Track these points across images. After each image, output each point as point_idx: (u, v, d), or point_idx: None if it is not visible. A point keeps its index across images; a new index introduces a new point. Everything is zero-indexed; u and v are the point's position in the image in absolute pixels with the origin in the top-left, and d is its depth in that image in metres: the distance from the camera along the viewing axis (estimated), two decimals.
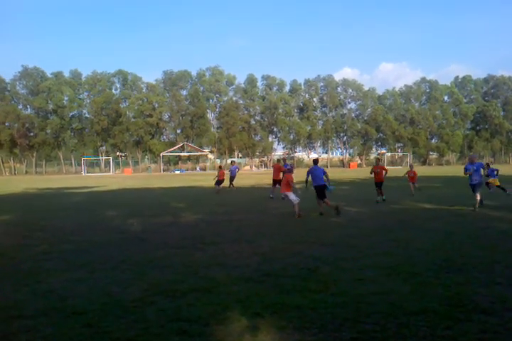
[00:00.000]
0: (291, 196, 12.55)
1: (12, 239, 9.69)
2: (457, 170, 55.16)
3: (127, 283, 5.91)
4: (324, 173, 13.33)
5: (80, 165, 72.53)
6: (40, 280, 6.15)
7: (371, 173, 17.00)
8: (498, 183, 18.15)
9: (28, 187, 32.22)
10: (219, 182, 22.31)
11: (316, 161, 14.11)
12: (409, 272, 6.10)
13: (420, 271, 6.17)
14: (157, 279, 6.04)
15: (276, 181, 18.75)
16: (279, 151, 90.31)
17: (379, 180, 16.44)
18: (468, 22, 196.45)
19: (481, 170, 13.97)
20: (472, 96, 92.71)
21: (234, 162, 26.09)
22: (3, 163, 75.99)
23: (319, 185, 13.08)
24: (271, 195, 18.48)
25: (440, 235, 9.00)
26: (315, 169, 13.42)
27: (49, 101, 73.73)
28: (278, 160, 20.64)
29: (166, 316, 4.59)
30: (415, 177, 19.83)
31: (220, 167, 24.18)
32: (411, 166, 20.66)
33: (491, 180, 18.34)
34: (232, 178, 23.56)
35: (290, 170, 13.71)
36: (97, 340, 4.07)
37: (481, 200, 13.33)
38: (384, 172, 16.77)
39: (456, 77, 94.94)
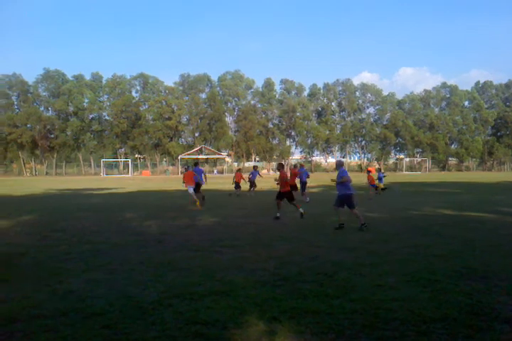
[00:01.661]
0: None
1: (33, 239, 9.81)
2: (477, 176, 54.45)
3: (145, 284, 5.94)
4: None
5: (99, 166, 73.44)
6: (60, 280, 6.22)
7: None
8: (382, 186, 21.74)
9: (49, 188, 32.66)
10: (237, 185, 22.50)
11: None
12: (429, 279, 6.02)
13: (440, 278, 6.09)
14: (175, 281, 6.06)
15: (291, 186, 18.62)
16: (296, 155, 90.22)
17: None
18: (489, 27, 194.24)
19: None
20: (493, 102, 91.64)
21: (256, 167, 26.17)
22: (24, 163, 77.26)
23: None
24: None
25: (460, 242, 8.88)
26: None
27: (69, 104, 74.89)
28: (295, 166, 20.61)
29: (184, 319, 4.61)
30: (372, 180, 21.02)
31: (238, 170, 24.39)
32: (369, 170, 22.13)
33: (378, 183, 21.34)
34: (251, 183, 23.65)
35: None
36: None
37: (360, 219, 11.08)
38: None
39: (477, 82, 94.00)
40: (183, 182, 17.61)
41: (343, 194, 11.17)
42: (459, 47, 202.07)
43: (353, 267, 6.78)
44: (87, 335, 4.22)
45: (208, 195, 23.51)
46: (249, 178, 23.70)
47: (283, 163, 20.32)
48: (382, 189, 21.94)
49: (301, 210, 13.41)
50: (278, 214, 13.27)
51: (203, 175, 18.48)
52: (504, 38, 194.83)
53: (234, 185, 22.94)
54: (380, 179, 21.88)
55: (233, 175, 23.60)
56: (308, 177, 20.14)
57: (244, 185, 23.58)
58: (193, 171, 17.76)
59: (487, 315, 4.60)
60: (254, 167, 25.81)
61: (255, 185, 23.92)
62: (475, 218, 12.58)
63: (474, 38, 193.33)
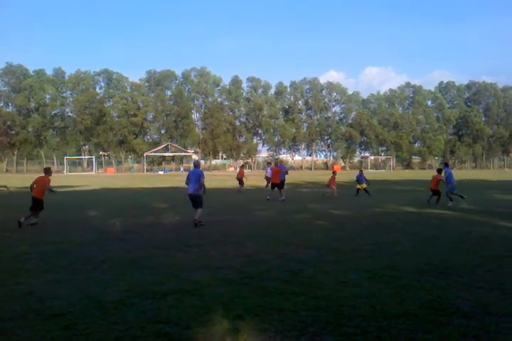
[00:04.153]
0: None
1: None
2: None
3: (108, 284, 5.83)
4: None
5: (62, 164, 71.75)
6: (19, 281, 6.03)
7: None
8: (365, 186, 20.85)
9: (8, 185, 31.66)
10: (239, 181, 22.69)
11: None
12: (391, 275, 6.12)
13: (402, 274, 6.19)
14: (138, 280, 5.97)
15: (274, 184, 18.65)
16: (263, 153, 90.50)
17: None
18: (453, 28, 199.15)
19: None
20: (455, 102, 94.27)
21: (270, 163, 26.17)
22: None
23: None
24: (268, 197, 18.56)
25: (422, 239, 9.06)
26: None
27: (31, 99, 72.81)
28: (276, 164, 20.72)
29: (147, 318, 4.53)
30: (332, 180, 21.11)
31: (241, 166, 24.81)
32: (335, 170, 23.14)
33: (360, 185, 20.90)
34: (268, 179, 23.79)
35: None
36: None
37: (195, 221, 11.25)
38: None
39: (441, 83, 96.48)
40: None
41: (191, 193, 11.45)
42: (423, 48, 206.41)
43: (318, 264, 6.83)
44: (46, 337, 4.09)
45: (174, 193, 23.29)
46: (265, 176, 24.11)
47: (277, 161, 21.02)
48: (358, 189, 20.99)
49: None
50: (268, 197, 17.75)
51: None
52: (467, 40, 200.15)
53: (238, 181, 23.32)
54: (359, 180, 21.00)
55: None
56: (287, 173, 20.05)
57: (246, 182, 23.65)
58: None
59: (447, 310, 4.70)
60: (268, 163, 25.91)
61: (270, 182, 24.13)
62: (437, 215, 12.88)
63: (438, 39, 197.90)
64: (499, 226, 10.71)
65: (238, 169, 23.85)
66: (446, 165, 17.31)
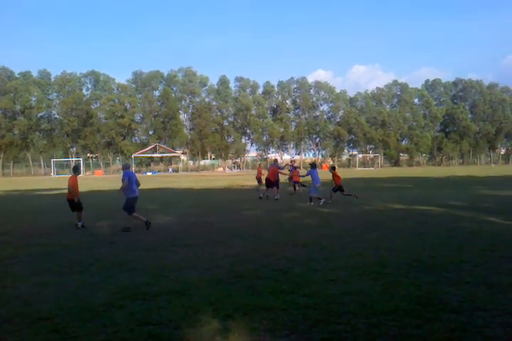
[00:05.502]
0: None
1: None
2: (427, 171, 56.22)
3: (96, 286, 5.79)
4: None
5: (49, 166, 71.05)
6: (5, 285, 5.97)
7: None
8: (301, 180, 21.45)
9: None
10: (259, 180, 22.68)
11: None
12: (380, 272, 6.15)
13: (390, 271, 6.22)
14: (126, 282, 5.93)
15: (270, 183, 18.55)
16: (252, 153, 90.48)
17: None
18: (439, 26, 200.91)
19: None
20: (442, 99, 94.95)
21: (293, 161, 26.15)
22: None
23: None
24: (261, 195, 18.77)
25: (410, 235, 9.11)
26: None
27: (16, 102, 72.04)
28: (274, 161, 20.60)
29: (136, 320, 4.51)
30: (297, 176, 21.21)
31: (259, 165, 24.92)
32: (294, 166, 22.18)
33: (297, 177, 21.29)
34: (290, 178, 23.83)
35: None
36: None
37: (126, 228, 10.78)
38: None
39: (427, 80, 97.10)
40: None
41: (128, 197, 10.95)
42: (410, 46, 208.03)
43: (307, 262, 6.84)
44: None
45: (163, 194, 23.22)
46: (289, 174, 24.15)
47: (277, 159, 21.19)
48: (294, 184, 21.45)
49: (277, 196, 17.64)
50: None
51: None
52: (452, 37, 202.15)
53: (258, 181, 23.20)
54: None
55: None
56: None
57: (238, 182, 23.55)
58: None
59: (435, 306, 4.73)
60: (292, 161, 25.87)
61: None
62: (425, 212, 12.95)
63: (424, 37, 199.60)
64: (486, 221, 10.80)
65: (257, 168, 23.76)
66: (313, 165, 17.18)
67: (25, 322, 4.52)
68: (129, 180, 10.81)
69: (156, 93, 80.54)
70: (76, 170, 12.12)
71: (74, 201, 11.38)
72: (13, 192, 27.41)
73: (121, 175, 11.17)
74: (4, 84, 71.93)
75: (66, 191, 11.73)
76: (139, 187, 11.24)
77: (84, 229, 11.02)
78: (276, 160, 20.66)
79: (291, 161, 24.65)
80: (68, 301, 5.16)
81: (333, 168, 17.51)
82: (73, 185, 11.37)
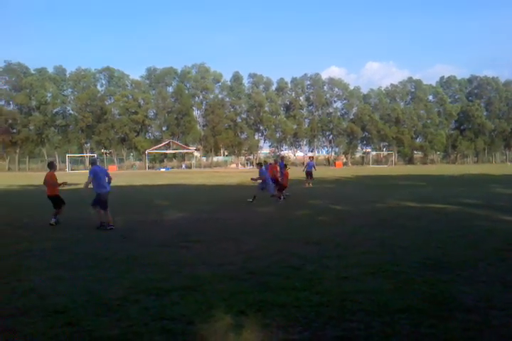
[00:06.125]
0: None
1: None
2: (442, 169, 55.72)
3: (110, 281, 5.83)
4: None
5: (64, 162, 71.63)
6: (20, 278, 6.04)
7: None
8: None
9: (11, 183, 31.77)
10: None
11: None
12: (393, 270, 6.11)
13: (404, 269, 6.18)
14: (140, 277, 5.97)
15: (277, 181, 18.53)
16: (265, 149, 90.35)
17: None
18: (454, 23, 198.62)
19: None
20: (456, 96, 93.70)
21: (312, 158, 26.25)
22: None
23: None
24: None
25: (423, 233, 9.05)
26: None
27: (32, 98, 72.71)
28: (275, 161, 20.55)
29: (150, 315, 4.54)
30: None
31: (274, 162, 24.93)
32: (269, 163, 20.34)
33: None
34: (308, 173, 24.45)
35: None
36: (77, 339, 4.01)
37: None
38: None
39: (442, 77, 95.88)
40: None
41: (97, 193, 10.83)
42: (425, 43, 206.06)
43: (319, 260, 6.82)
44: (48, 334, 4.10)
45: (176, 190, 23.30)
46: (306, 170, 24.37)
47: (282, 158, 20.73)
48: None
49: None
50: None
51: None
52: (468, 34, 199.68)
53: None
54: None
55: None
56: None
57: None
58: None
59: (449, 305, 4.70)
60: (310, 158, 25.88)
61: (311, 177, 24.55)
62: (438, 210, 12.85)
63: (439, 33, 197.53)
64: (500, 220, 10.70)
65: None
66: (261, 165, 16.75)
67: (40, 315, 4.57)
68: (96, 176, 10.64)
69: (170, 89, 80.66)
70: (52, 166, 11.94)
71: (56, 196, 11.35)
72: (29, 187, 27.71)
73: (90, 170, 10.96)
74: (20, 80, 72.58)
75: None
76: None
77: (58, 225, 10.95)
78: (282, 158, 20.74)
79: (281, 158, 23.93)
80: (82, 295, 5.21)
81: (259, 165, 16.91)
82: (50, 180, 11.34)
